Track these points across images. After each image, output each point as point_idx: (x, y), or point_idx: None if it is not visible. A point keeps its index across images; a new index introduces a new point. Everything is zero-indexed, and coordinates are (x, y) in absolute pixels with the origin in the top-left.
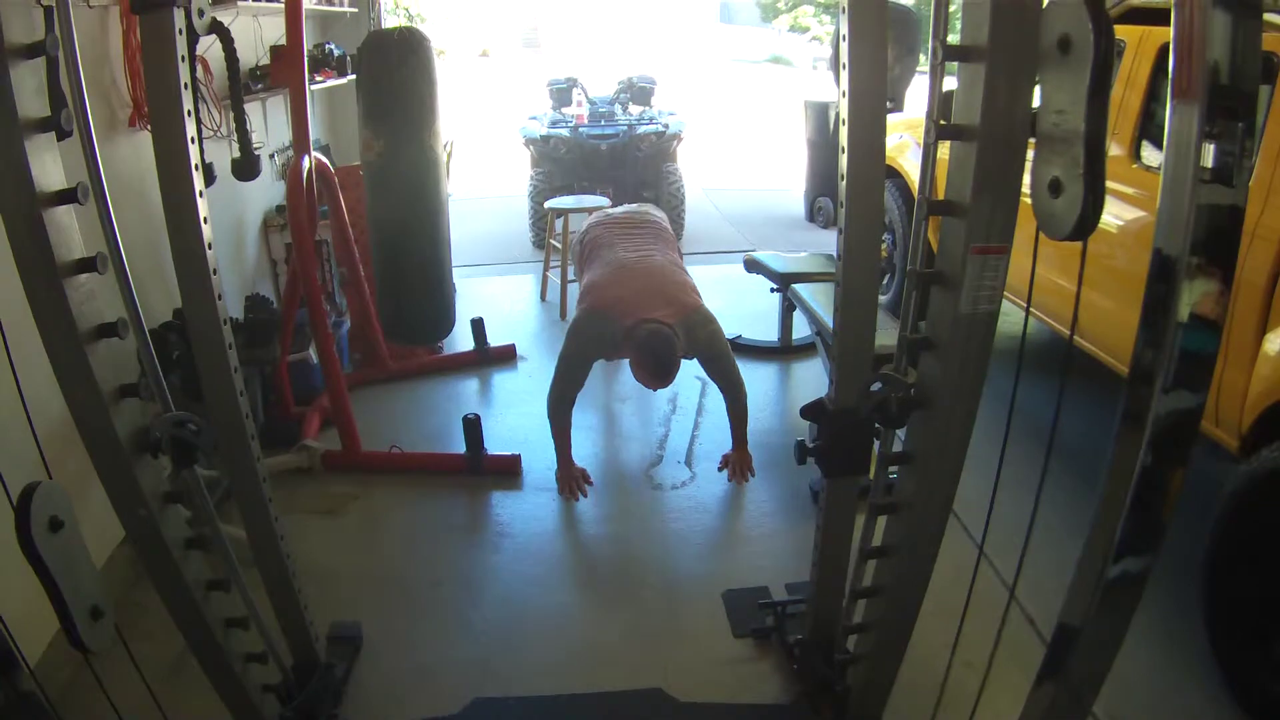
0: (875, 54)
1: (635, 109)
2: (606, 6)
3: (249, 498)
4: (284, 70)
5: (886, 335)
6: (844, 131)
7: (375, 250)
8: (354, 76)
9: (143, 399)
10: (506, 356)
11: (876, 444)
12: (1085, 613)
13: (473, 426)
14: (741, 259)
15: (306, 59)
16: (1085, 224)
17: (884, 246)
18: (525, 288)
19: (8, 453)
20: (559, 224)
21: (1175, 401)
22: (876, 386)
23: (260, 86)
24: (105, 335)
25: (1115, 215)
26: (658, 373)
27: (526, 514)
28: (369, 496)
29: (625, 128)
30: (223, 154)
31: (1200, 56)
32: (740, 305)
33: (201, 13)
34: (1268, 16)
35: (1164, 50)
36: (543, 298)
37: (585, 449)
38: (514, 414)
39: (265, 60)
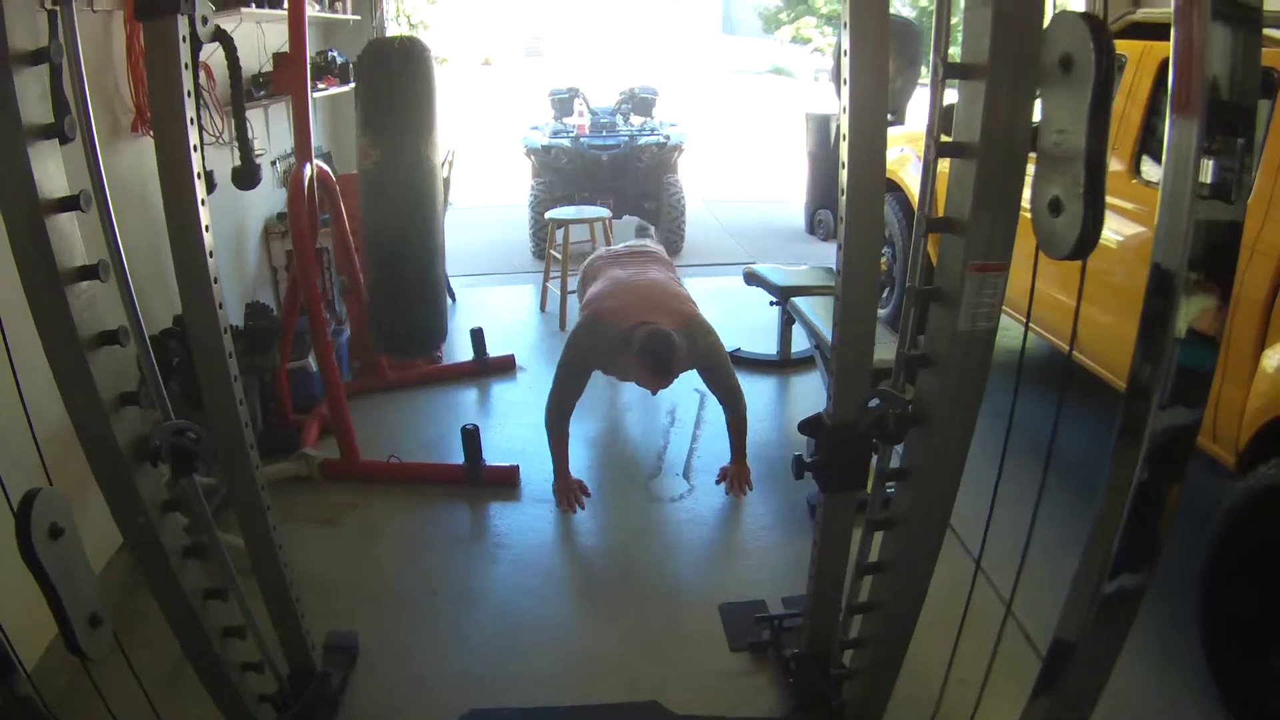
0: (876, 67)
1: (637, 119)
2: (609, 16)
3: (247, 506)
4: (286, 77)
5: (885, 349)
6: (844, 146)
7: (369, 258)
8: (354, 84)
9: (143, 407)
10: (506, 367)
11: (874, 459)
12: (1081, 628)
13: (471, 437)
14: (741, 271)
15: (309, 66)
16: (1085, 243)
17: (883, 260)
18: (525, 298)
19: (8, 458)
20: (559, 235)
21: (1172, 417)
22: (874, 402)
23: (262, 93)
24: (106, 343)
25: (1115, 231)
26: (657, 370)
27: (524, 525)
28: (367, 506)
29: (626, 138)
30: (224, 161)
31: (1200, 71)
32: (739, 318)
33: (205, 20)
34: (1268, 31)
35: (1165, 65)
36: (542, 309)
37: (583, 461)
38: (513, 425)
39: (268, 67)
